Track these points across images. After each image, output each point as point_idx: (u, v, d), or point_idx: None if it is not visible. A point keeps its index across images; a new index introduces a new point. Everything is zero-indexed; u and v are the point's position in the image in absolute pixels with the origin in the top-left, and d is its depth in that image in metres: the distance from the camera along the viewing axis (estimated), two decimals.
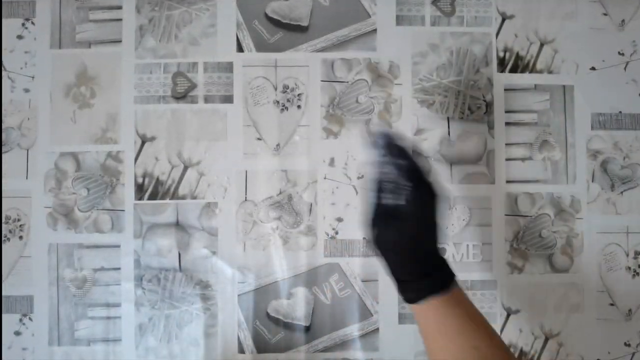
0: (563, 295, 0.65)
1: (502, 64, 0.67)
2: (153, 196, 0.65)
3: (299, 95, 0.66)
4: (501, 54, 0.67)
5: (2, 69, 0.65)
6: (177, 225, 0.65)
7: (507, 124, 0.66)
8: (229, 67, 0.66)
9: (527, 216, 0.66)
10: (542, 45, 0.67)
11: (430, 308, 0.40)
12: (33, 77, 0.65)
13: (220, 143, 0.65)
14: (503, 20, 0.67)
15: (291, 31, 0.66)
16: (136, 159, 0.65)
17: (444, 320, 0.39)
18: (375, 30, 0.66)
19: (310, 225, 0.65)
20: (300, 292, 0.65)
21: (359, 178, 0.65)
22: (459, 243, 0.65)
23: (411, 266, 0.41)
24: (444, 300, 0.40)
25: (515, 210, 0.66)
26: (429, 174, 0.44)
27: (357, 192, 0.65)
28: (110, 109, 0.65)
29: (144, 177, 0.65)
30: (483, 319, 0.42)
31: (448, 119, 0.66)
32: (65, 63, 0.65)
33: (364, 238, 0.64)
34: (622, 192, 0.66)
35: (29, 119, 0.65)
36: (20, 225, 0.65)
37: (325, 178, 0.65)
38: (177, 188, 0.65)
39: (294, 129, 0.66)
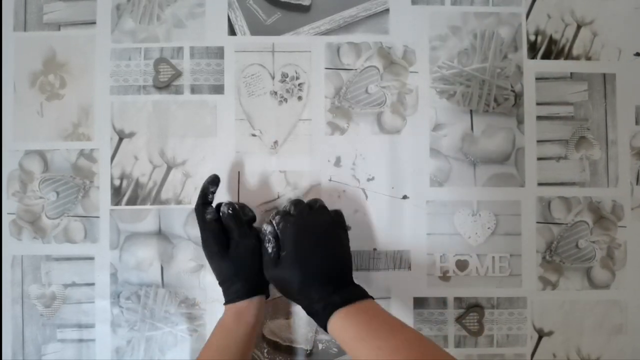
0: (603, 314, 0.61)
1: (533, 49, 0.62)
2: (132, 201, 0.60)
3: (299, 84, 0.61)
4: (532, 38, 0.62)
5: None
6: (160, 234, 0.60)
7: (539, 117, 0.62)
8: (219, 53, 0.61)
9: (561, 224, 0.61)
10: (579, 27, 0.63)
11: (336, 322, 0.48)
12: None
13: (209, 140, 0.61)
14: None
15: (291, 11, 0.62)
16: (112, 158, 0.61)
17: (348, 327, 0.47)
18: (387, 10, 0.62)
19: None
20: (302, 310, 0.58)
21: (369, 180, 0.61)
22: (484, 254, 0.61)
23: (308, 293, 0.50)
24: (347, 312, 0.48)
25: (548, 217, 0.61)
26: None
27: (366, 196, 0.60)
28: (82, 101, 0.61)
29: (121, 179, 0.61)
30: (393, 322, 0.48)
31: (471, 112, 0.62)
32: (31, 48, 0.61)
33: (374, 249, 0.60)
34: None
35: None
36: None
37: (330, 180, 0.61)
38: (159, 191, 0.61)
39: (294, 124, 0.61)
